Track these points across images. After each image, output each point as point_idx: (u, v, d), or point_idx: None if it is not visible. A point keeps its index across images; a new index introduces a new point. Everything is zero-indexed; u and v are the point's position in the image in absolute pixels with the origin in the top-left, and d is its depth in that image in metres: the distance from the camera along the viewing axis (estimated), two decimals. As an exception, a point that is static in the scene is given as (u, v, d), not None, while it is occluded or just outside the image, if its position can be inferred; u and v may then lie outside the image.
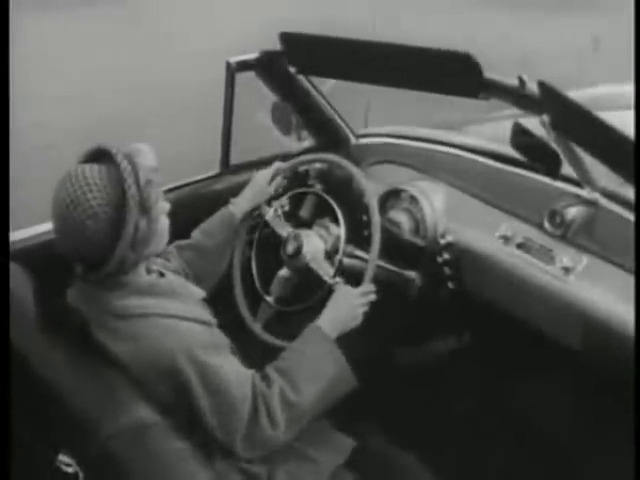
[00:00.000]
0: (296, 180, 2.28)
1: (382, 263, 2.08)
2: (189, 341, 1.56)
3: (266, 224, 2.15)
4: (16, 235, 2.02)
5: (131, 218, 1.50)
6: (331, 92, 2.48)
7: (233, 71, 2.22)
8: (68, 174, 1.53)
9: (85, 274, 1.59)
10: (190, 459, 1.44)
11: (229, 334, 1.75)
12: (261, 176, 2.14)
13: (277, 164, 2.17)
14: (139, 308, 1.58)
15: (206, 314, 1.69)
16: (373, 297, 1.87)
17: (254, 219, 2.16)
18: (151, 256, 1.66)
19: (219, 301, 1.85)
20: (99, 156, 1.56)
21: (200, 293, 1.74)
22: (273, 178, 2.14)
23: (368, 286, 1.88)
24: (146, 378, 1.55)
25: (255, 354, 1.77)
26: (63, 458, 1.47)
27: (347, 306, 1.82)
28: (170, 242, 1.74)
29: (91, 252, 1.52)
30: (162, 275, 1.72)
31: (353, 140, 2.55)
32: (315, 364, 1.69)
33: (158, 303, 1.60)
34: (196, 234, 2.04)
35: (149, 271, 1.67)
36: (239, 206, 2.08)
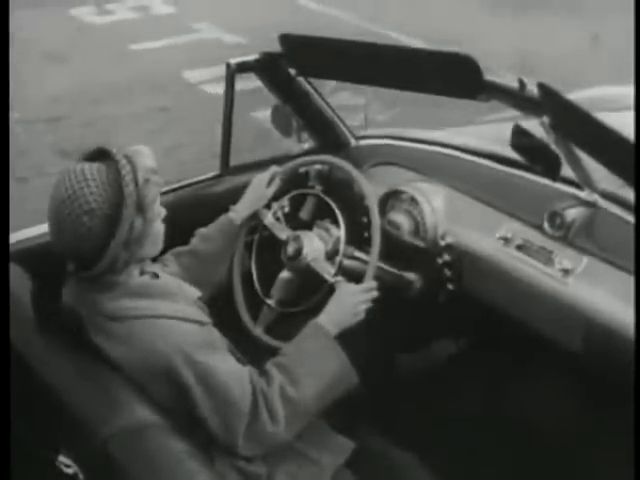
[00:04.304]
0: (296, 182, 2.28)
1: (382, 264, 2.08)
2: (184, 342, 1.56)
3: (265, 228, 2.15)
4: (16, 236, 2.02)
5: (127, 216, 1.51)
6: (331, 94, 2.48)
7: (233, 72, 2.22)
8: (67, 171, 1.54)
9: (77, 272, 1.59)
10: (189, 459, 1.44)
11: (230, 336, 1.75)
12: (259, 181, 2.14)
13: (274, 168, 2.17)
14: (132, 310, 1.58)
15: (201, 314, 1.69)
16: (375, 294, 1.87)
17: (253, 222, 2.16)
18: (145, 259, 1.66)
19: (219, 304, 1.85)
20: (98, 156, 1.57)
21: (195, 293, 1.74)
22: (271, 182, 2.14)
23: (370, 283, 1.88)
24: (143, 379, 1.56)
25: (256, 355, 1.77)
26: (63, 459, 1.47)
27: (349, 303, 1.82)
28: (169, 242, 1.74)
29: (84, 248, 1.52)
30: (157, 277, 1.72)
31: (353, 142, 2.55)
32: (315, 360, 1.69)
33: (151, 304, 1.60)
34: (195, 240, 2.03)
35: (142, 273, 1.67)
36: (238, 212, 2.08)
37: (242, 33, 7.00)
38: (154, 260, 1.76)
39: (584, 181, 1.94)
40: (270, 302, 2.11)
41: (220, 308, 1.82)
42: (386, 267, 2.16)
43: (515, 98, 1.79)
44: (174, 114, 5.51)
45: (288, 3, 7.97)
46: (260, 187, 2.13)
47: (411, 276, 2.27)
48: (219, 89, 5.74)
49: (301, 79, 2.32)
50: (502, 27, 7.09)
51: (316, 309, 1.84)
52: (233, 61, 2.22)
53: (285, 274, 2.13)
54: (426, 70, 1.89)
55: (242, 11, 7.64)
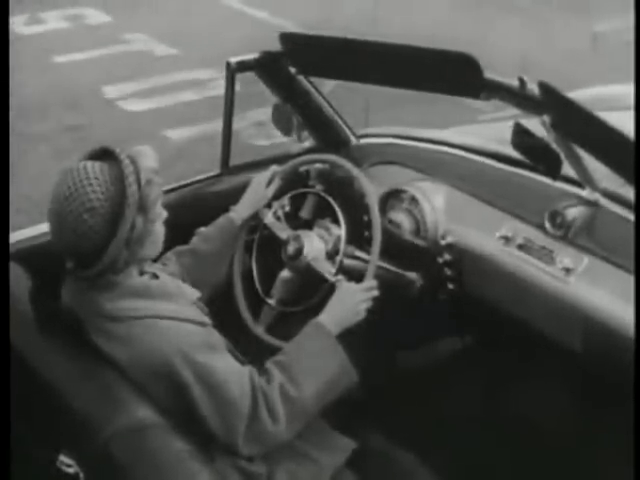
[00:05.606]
0: (296, 181, 2.28)
1: (383, 264, 2.08)
2: (184, 342, 1.56)
3: (265, 227, 2.15)
4: (16, 235, 2.02)
5: (129, 215, 1.50)
6: (331, 92, 2.48)
7: (233, 71, 2.22)
8: (70, 169, 1.54)
9: (76, 271, 1.58)
10: (190, 459, 1.44)
11: (230, 336, 1.75)
12: (258, 180, 2.14)
13: (274, 167, 2.17)
14: (132, 310, 1.58)
15: (200, 314, 1.68)
16: (375, 293, 1.87)
17: (253, 222, 2.16)
18: (144, 259, 1.66)
19: (219, 304, 1.85)
20: (101, 155, 1.57)
21: (194, 293, 1.74)
22: (270, 181, 2.14)
23: (370, 282, 1.88)
24: (143, 379, 1.56)
25: (257, 355, 1.77)
26: (64, 459, 1.47)
27: (349, 302, 1.82)
28: (169, 242, 1.74)
29: (85, 247, 1.52)
30: (156, 277, 1.71)
31: (354, 141, 2.55)
32: (316, 359, 1.69)
33: (151, 305, 1.60)
34: (195, 240, 2.03)
35: (142, 273, 1.67)
36: (238, 212, 2.08)
37: (176, 44, 6.63)
38: (154, 260, 1.76)
39: (585, 180, 1.94)
40: (271, 301, 2.11)
41: (220, 308, 1.82)
42: (387, 266, 2.16)
43: (516, 97, 1.79)
44: (86, 133, 5.07)
45: (226, 10, 7.57)
46: (260, 187, 2.13)
47: (412, 275, 2.26)
48: (135, 106, 5.57)
49: (301, 78, 2.32)
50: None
51: (317, 308, 1.84)
52: (233, 60, 2.22)
53: (286, 273, 2.13)
54: (427, 69, 1.89)
55: (181, 21, 7.23)
